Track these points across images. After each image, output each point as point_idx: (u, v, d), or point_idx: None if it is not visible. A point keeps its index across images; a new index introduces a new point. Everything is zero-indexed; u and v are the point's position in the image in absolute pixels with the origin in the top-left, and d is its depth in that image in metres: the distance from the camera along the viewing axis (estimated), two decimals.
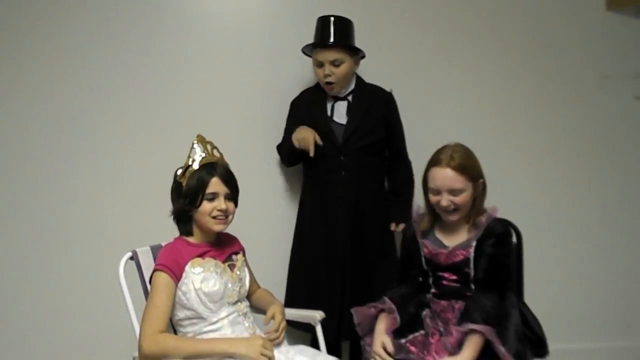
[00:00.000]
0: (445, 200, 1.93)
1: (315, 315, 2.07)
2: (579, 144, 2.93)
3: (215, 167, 1.82)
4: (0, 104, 2.65)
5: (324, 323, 2.10)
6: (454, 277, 1.98)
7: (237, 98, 2.75)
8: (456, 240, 2.00)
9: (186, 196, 1.79)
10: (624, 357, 2.90)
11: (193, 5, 2.74)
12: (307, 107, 2.54)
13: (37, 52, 2.65)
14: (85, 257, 2.66)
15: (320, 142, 2.40)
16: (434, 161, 1.96)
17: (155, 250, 1.88)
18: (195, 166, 1.81)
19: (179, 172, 1.82)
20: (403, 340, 1.97)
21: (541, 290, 2.68)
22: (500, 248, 1.97)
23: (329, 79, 2.42)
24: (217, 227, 1.82)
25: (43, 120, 2.67)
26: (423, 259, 2.04)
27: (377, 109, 2.49)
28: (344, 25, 2.45)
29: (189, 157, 1.82)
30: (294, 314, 2.10)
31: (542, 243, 2.83)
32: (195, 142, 1.84)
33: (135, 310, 1.81)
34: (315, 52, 2.45)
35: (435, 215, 2.04)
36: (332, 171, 2.46)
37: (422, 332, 2.00)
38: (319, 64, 2.44)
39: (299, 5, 2.77)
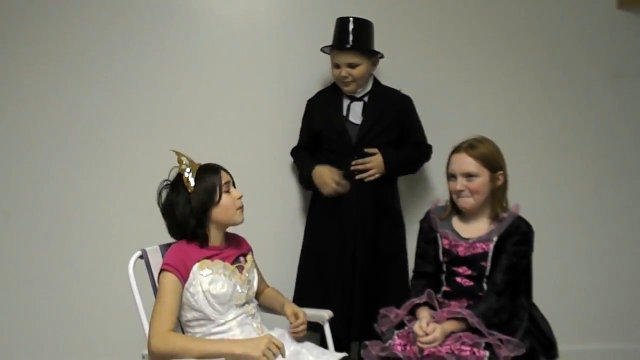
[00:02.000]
0: (459, 184, 1.96)
1: (323, 315, 2.07)
2: (589, 145, 2.91)
3: (210, 165, 1.85)
4: (8, 104, 2.67)
5: (332, 324, 2.10)
6: (469, 273, 1.98)
7: (249, 98, 2.76)
8: (474, 233, 2.01)
9: (202, 196, 1.78)
10: (635, 359, 2.88)
11: (202, 6, 2.75)
12: (324, 106, 2.54)
13: (44, 53, 2.67)
14: (96, 256, 2.68)
15: (342, 187, 2.40)
16: (455, 149, 2.02)
17: (165, 249, 1.89)
18: (189, 173, 1.80)
19: (186, 180, 1.79)
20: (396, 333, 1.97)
21: (551, 291, 2.69)
22: (524, 247, 1.98)
23: (346, 80, 2.43)
24: (241, 218, 1.87)
25: (53, 121, 2.68)
26: (441, 251, 2.03)
27: (391, 111, 2.49)
28: (363, 28, 2.44)
29: (181, 167, 1.81)
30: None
31: (551, 243, 2.80)
32: (181, 156, 1.84)
33: (145, 309, 1.81)
34: (334, 53, 2.46)
35: (455, 206, 2.06)
36: (345, 171, 2.46)
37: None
38: (337, 66, 2.45)
39: (311, 4, 2.77)
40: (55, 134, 2.69)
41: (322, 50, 2.50)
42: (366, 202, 2.46)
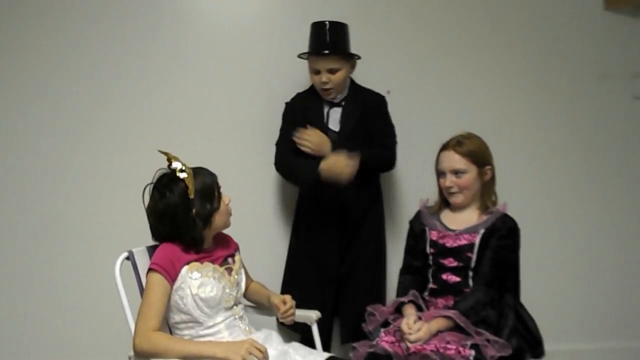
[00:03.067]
0: (448, 181, 2.02)
1: (311, 315, 2.07)
2: (578, 143, 2.92)
3: (199, 169, 1.83)
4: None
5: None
6: (455, 264, 2.01)
7: (233, 99, 2.76)
8: (462, 225, 2.05)
9: (204, 202, 1.77)
10: (624, 358, 2.89)
11: (189, 7, 2.74)
12: (304, 111, 2.49)
13: (33, 52, 2.66)
14: (82, 257, 2.68)
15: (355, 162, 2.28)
16: (443, 146, 2.07)
17: (152, 250, 1.88)
18: (186, 175, 1.76)
19: (187, 185, 1.74)
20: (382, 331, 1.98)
21: (542, 290, 2.71)
22: (509, 241, 2.02)
23: (326, 86, 2.39)
24: (230, 221, 1.88)
25: (41, 120, 2.68)
26: (428, 243, 2.06)
27: (369, 115, 2.45)
28: (339, 31, 2.39)
29: (179, 171, 1.76)
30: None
31: (542, 242, 2.83)
32: (172, 158, 1.80)
33: (131, 310, 1.80)
34: (311, 59, 2.41)
35: (444, 201, 2.11)
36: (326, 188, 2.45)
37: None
38: (316, 72, 2.39)
39: (294, 7, 2.77)
40: (43, 134, 2.68)
41: (300, 56, 2.46)
42: (347, 207, 2.45)
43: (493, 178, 2.09)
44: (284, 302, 1.94)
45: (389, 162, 2.48)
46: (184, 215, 1.75)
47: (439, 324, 1.90)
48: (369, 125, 2.44)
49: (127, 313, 1.81)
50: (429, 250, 2.07)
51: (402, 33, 2.82)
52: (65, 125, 2.69)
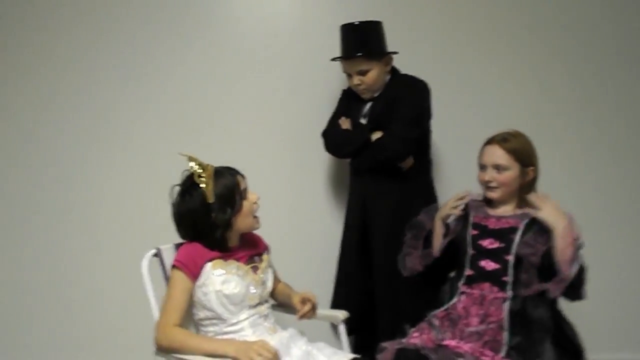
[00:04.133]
0: (488, 175, 1.99)
1: (338, 315, 2.06)
2: (620, 141, 2.81)
3: (224, 169, 1.82)
4: (25, 104, 2.74)
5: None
6: (496, 245, 1.97)
7: (266, 99, 2.78)
8: (503, 214, 2.03)
9: (224, 206, 1.76)
10: None
11: (219, 8, 2.77)
12: (351, 102, 2.49)
13: (55, 51, 2.73)
14: (112, 254, 2.74)
15: None
16: (488, 140, 2.03)
17: (178, 248, 1.91)
18: (204, 180, 1.76)
19: (204, 190, 1.74)
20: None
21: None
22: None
23: (359, 88, 2.38)
24: (258, 224, 1.87)
25: (72, 116, 2.75)
26: (470, 225, 2.04)
27: (395, 104, 2.35)
28: (365, 32, 2.36)
29: (197, 176, 1.76)
30: (317, 313, 2.07)
31: (587, 245, 2.71)
32: (191, 162, 1.79)
33: (158, 307, 1.82)
34: (342, 62, 2.41)
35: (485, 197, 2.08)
36: (355, 174, 2.49)
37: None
38: (348, 74, 2.39)
39: (327, 7, 2.76)
40: (78, 132, 2.76)
41: (333, 60, 2.44)
42: (366, 208, 2.45)
43: (534, 180, 2.04)
44: (303, 301, 1.93)
45: (383, 148, 2.32)
46: (202, 220, 1.76)
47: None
48: (393, 115, 2.35)
49: (154, 309, 1.83)
50: (470, 233, 2.04)
51: (438, 27, 2.79)
52: (100, 122, 2.76)
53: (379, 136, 2.33)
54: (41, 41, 2.73)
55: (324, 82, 2.70)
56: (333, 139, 2.47)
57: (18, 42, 2.72)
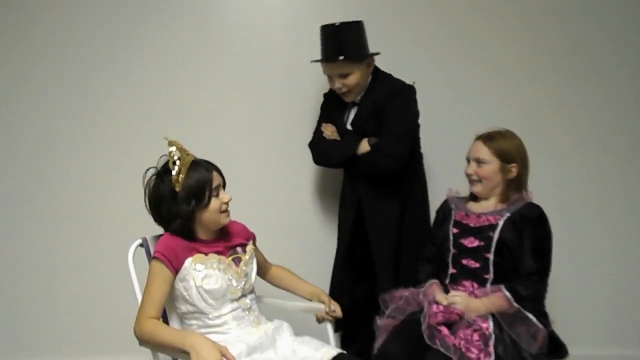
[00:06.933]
0: (470, 168, 2.08)
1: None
2: (613, 139, 2.81)
3: (202, 162, 1.80)
4: (7, 98, 2.73)
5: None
6: (475, 244, 2.02)
7: (256, 93, 2.78)
8: (485, 210, 2.08)
9: (189, 198, 1.73)
10: None
11: (209, 4, 2.76)
12: (334, 106, 2.45)
13: (52, 41, 2.73)
14: (98, 244, 2.75)
15: None
16: (477, 136, 2.11)
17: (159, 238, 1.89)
18: (177, 168, 1.73)
19: (174, 178, 1.72)
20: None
21: (565, 292, 2.63)
22: (542, 230, 2.01)
23: (341, 91, 2.31)
24: (226, 220, 1.83)
25: (58, 109, 2.75)
26: (452, 223, 2.11)
27: (381, 110, 2.30)
28: (347, 33, 2.25)
29: (171, 162, 1.74)
30: (303, 306, 2.09)
31: (570, 241, 2.72)
32: (172, 147, 1.77)
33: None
34: (322, 65, 2.32)
35: (471, 193, 2.15)
36: (348, 179, 2.48)
37: None
38: (329, 77, 2.32)
39: (321, 3, 2.75)
40: (65, 125, 2.76)
41: (313, 62, 2.35)
42: (359, 207, 2.43)
43: (519, 177, 2.07)
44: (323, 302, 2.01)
45: (377, 166, 2.28)
46: (167, 207, 1.75)
47: (492, 301, 1.92)
48: (381, 121, 2.30)
49: (139, 298, 1.81)
50: (452, 231, 2.09)
51: (425, 27, 2.78)
52: (83, 113, 2.76)
53: (369, 149, 2.28)
54: (30, 36, 2.72)
55: (317, 79, 2.64)
56: (320, 151, 2.43)
57: (5, 36, 2.72)
